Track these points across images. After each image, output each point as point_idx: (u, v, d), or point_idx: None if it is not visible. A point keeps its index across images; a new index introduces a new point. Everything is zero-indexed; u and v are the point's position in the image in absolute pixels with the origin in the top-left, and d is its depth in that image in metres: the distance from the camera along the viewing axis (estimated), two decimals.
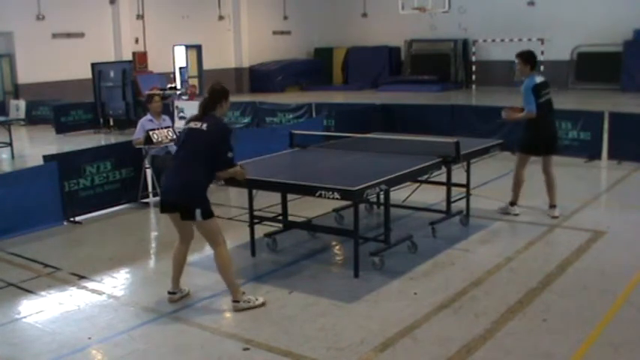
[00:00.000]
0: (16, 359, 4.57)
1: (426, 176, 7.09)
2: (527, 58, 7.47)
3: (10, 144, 13.76)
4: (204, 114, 5.20)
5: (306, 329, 4.84)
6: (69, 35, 21.81)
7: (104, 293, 5.73)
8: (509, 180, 8.69)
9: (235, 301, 5.22)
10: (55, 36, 21.48)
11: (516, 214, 7.73)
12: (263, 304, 5.26)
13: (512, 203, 7.85)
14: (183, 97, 19.66)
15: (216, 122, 5.17)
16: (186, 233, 5.37)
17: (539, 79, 7.51)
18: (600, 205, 8.57)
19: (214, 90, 5.30)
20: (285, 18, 29.14)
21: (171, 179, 5.24)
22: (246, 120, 15.87)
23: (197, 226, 5.18)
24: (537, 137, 7.50)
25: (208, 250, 6.97)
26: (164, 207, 5.26)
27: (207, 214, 5.07)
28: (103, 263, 6.50)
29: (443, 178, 7.34)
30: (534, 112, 7.31)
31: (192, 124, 5.21)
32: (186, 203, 5.07)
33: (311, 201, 6.69)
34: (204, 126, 5.11)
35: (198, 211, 5.02)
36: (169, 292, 5.47)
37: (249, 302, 5.23)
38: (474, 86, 26.27)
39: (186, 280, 6.12)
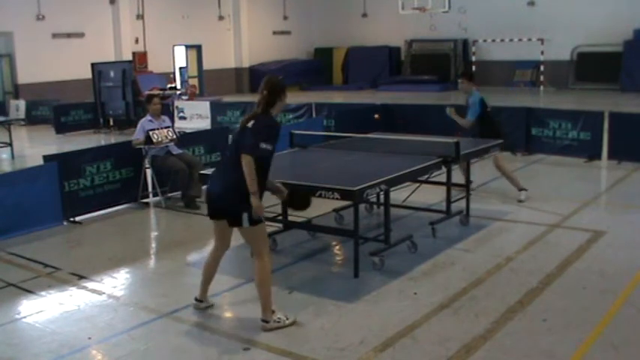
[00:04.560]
0: (16, 359, 4.57)
1: (426, 176, 7.09)
2: (471, 76, 8.92)
3: (10, 144, 13.75)
4: (261, 111, 4.82)
5: (306, 329, 4.84)
6: (69, 35, 21.79)
7: (104, 293, 5.73)
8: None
9: (265, 320, 4.84)
10: (55, 36, 21.46)
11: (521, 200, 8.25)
12: (293, 323, 4.89)
13: (519, 189, 8.37)
14: (183, 97, 19.68)
15: (262, 118, 4.79)
16: (224, 241, 5.15)
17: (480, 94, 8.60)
18: (600, 205, 8.57)
19: (274, 83, 4.88)
20: (285, 18, 29.13)
21: (215, 184, 4.96)
22: None
23: (243, 232, 4.88)
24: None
25: (209, 250, 6.98)
26: (211, 213, 5.02)
27: (255, 220, 4.77)
28: (103, 263, 6.50)
29: (443, 178, 7.34)
30: (472, 121, 8.46)
31: (242, 124, 4.87)
32: (232, 208, 4.79)
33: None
34: (251, 123, 4.77)
35: (245, 216, 4.72)
36: (196, 299, 5.25)
37: (278, 322, 4.85)
38: None
39: (186, 280, 6.14)
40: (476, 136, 8.43)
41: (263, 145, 4.65)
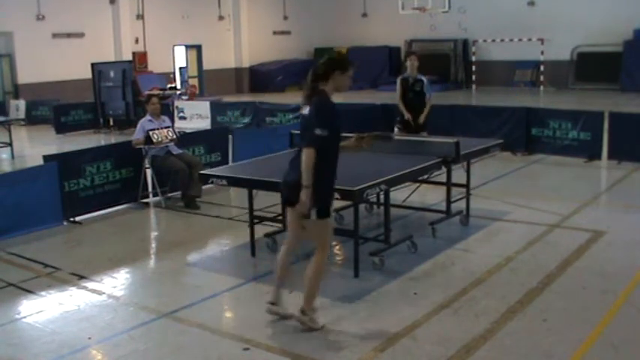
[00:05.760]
0: (16, 359, 4.57)
1: (426, 176, 7.09)
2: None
3: (10, 144, 13.74)
4: (311, 91, 4.65)
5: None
6: (69, 35, 21.79)
7: (104, 293, 5.73)
8: (510, 180, 8.72)
9: (303, 311, 4.74)
10: (55, 36, 21.46)
11: None
12: (322, 328, 4.76)
13: None
14: (183, 97, 19.68)
15: (316, 100, 4.61)
16: (298, 232, 4.87)
17: None
18: (600, 205, 8.56)
19: (329, 56, 4.71)
20: (285, 18, 29.12)
21: (288, 174, 4.73)
22: (246, 120, 15.88)
23: (310, 224, 4.70)
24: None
25: (209, 250, 7.00)
26: (284, 201, 4.87)
27: (322, 213, 4.59)
28: (103, 263, 6.50)
29: (443, 178, 7.34)
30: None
31: (302, 110, 4.70)
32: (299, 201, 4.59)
33: None
34: (307, 110, 4.62)
35: (313, 211, 4.55)
36: (269, 302, 4.94)
37: (312, 321, 4.75)
38: (473, 86, 26.27)
39: (186, 280, 6.14)
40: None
41: (318, 132, 4.45)
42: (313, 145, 4.45)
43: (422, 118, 9.35)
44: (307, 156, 4.45)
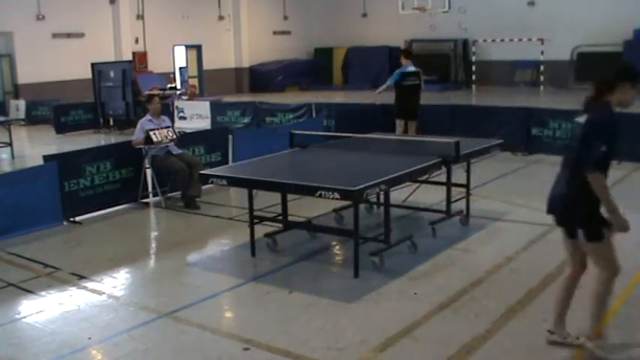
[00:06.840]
0: (16, 359, 4.57)
1: (426, 176, 7.09)
2: (407, 53, 11.76)
3: (10, 144, 13.74)
4: (593, 100, 4.25)
5: (306, 329, 4.84)
6: (69, 35, 21.78)
7: (104, 293, 5.73)
8: (510, 180, 8.70)
9: (589, 337, 4.32)
10: (55, 36, 21.45)
11: None
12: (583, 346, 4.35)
13: None
14: (183, 97, 19.68)
15: (597, 110, 4.20)
16: (575, 256, 4.45)
17: (410, 68, 11.37)
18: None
19: (622, 64, 4.23)
20: (285, 18, 29.12)
21: (555, 186, 4.38)
22: (246, 120, 15.89)
23: (583, 246, 4.30)
24: (399, 105, 11.52)
25: (209, 250, 7.00)
26: (555, 220, 4.44)
27: (592, 236, 4.18)
28: (103, 263, 6.49)
29: (443, 178, 7.33)
30: (388, 85, 11.48)
31: (577, 118, 4.24)
32: (565, 220, 4.30)
33: (311, 201, 6.69)
34: (583, 118, 4.18)
35: (580, 231, 4.18)
36: (549, 331, 4.49)
37: (602, 348, 4.30)
38: (474, 86, 26.24)
39: (186, 280, 6.13)
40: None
41: (601, 148, 4.06)
42: (596, 167, 4.04)
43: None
44: (597, 184, 4.04)
